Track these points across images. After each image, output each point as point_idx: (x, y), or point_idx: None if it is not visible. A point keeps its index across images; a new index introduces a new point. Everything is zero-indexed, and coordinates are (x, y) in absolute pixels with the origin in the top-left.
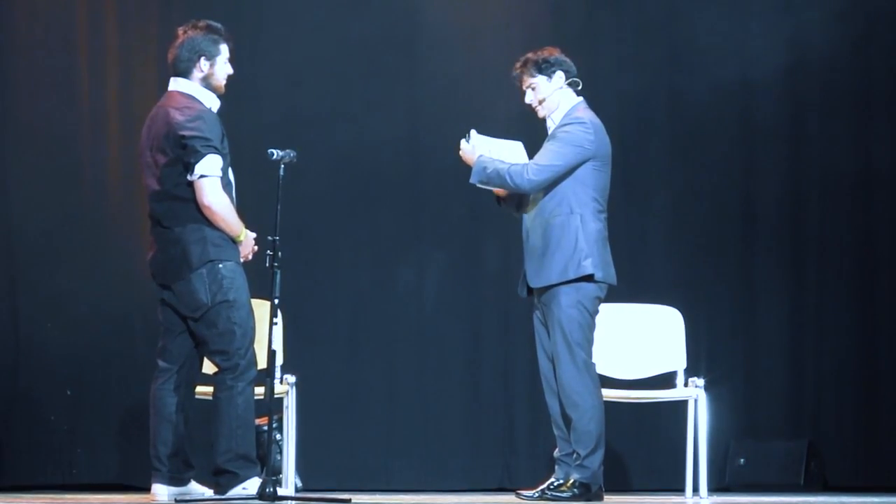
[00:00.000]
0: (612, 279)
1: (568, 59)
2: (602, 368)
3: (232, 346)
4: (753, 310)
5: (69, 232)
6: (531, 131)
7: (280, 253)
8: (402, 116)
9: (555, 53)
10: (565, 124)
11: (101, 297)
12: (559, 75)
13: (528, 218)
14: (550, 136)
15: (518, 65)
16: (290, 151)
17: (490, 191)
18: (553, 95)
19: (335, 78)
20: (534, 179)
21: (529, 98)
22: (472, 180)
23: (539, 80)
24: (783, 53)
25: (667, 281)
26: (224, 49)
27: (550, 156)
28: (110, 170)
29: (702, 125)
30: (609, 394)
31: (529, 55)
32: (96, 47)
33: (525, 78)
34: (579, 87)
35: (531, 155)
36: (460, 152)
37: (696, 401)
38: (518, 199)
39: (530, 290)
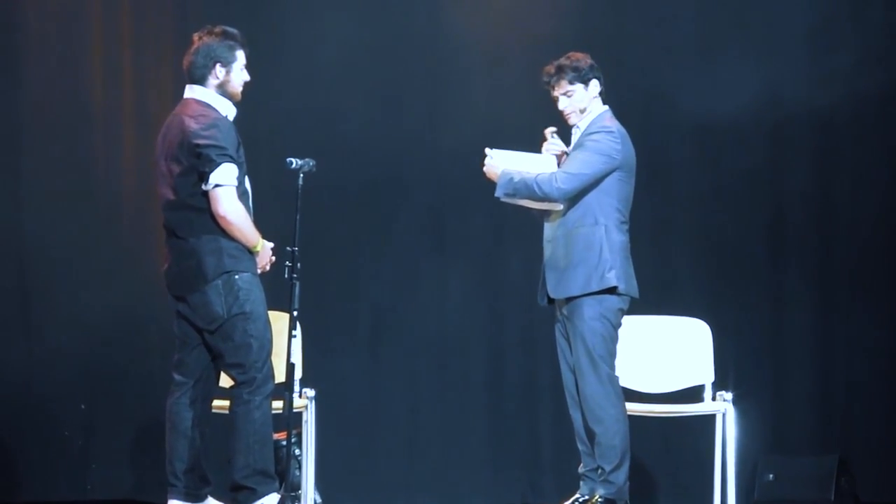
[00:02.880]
0: (635, 292)
1: (597, 66)
2: (628, 382)
3: (248, 360)
4: (782, 322)
5: (83, 243)
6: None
7: (299, 264)
8: (423, 126)
9: (588, 60)
10: (593, 132)
11: (116, 310)
12: (594, 84)
13: (550, 227)
14: (577, 145)
15: (551, 69)
16: (308, 160)
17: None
18: (589, 104)
19: (354, 86)
20: (563, 188)
21: (564, 105)
22: (497, 194)
23: (577, 88)
24: (812, 62)
25: (694, 293)
26: (240, 55)
27: (579, 164)
28: (125, 180)
29: (730, 135)
30: (635, 408)
31: (564, 61)
32: (111, 54)
33: (561, 84)
34: (604, 96)
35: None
36: (484, 169)
37: (724, 415)
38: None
39: (551, 300)
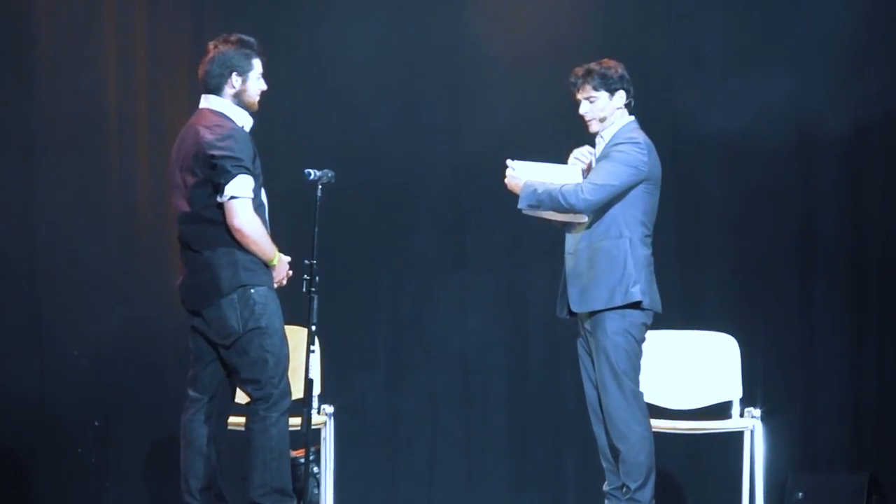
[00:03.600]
0: (658, 307)
1: (629, 77)
2: (653, 398)
3: (264, 375)
4: (812, 336)
5: (96, 257)
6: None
7: (317, 277)
8: (444, 136)
9: (619, 70)
10: (619, 143)
11: (130, 325)
12: (621, 94)
13: (573, 239)
14: (603, 155)
15: (580, 72)
16: (327, 171)
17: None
18: (612, 114)
19: (374, 96)
20: (589, 199)
21: (585, 109)
22: (520, 205)
23: (601, 96)
24: (841, 77)
25: (721, 307)
26: (257, 64)
27: (606, 175)
28: (139, 192)
29: (758, 147)
30: (660, 424)
31: (593, 66)
32: (125, 63)
33: (585, 88)
34: (632, 107)
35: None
36: (506, 181)
37: (752, 432)
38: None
39: (572, 313)
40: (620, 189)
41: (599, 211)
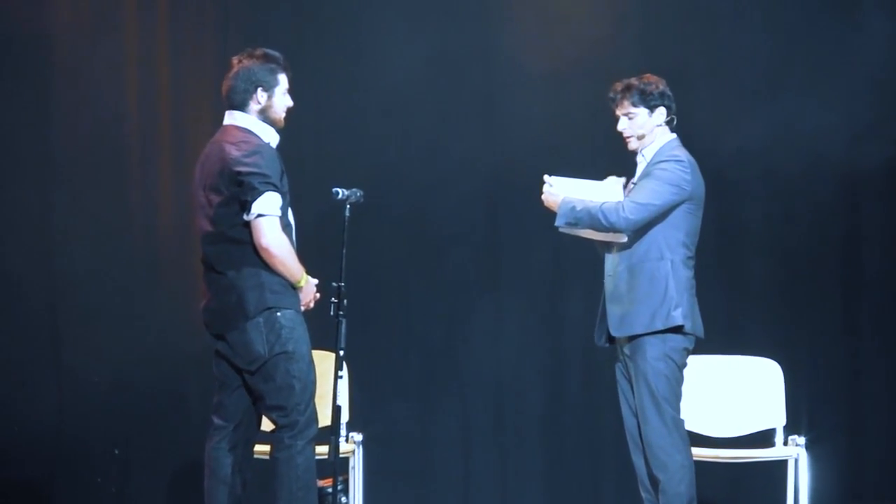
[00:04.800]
0: (701, 331)
1: (671, 94)
2: (694, 425)
3: (290, 402)
4: (859, 362)
5: (116, 279)
6: (623, 165)
7: (346, 300)
8: (477, 154)
9: (661, 86)
10: (661, 161)
11: (151, 349)
12: (661, 111)
13: (612, 261)
14: (644, 174)
15: (619, 87)
16: (356, 190)
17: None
18: (651, 132)
19: (405, 111)
20: (631, 218)
21: (623, 126)
22: (557, 223)
23: (640, 112)
24: (886, 99)
25: (764, 331)
26: (283, 79)
27: (648, 194)
28: (161, 213)
29: (802, 170)
30: (701, 453)
31: (633, 81)
32: (147, 80)
33: (624, 103)
34: (674, 124)
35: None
36: (543, 197)
37: (796, 461)
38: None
39: (611, 339)
40: (662, 208)
41: (640, 231)
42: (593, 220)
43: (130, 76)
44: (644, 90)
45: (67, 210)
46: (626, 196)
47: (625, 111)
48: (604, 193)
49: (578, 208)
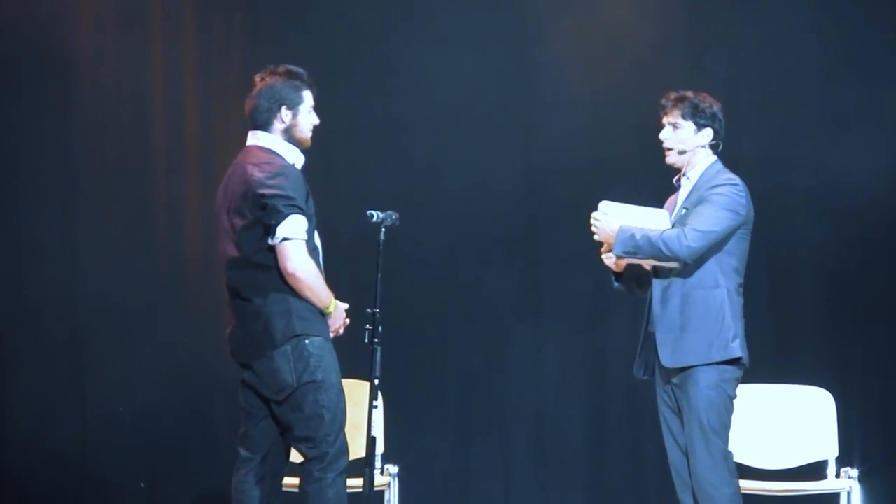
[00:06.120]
0: (748, 361)
1: (722, 119)
2: (743, 457)
3: (319, 433)
4: None
5: (141, 308)
6: (664, 188)
7: (380, 327)
8: (519, 176)
9: (714, 107)
10: (717, 185)
11: (177, 379)
12: (707, 132)
13: (661, 287)
14: (699, 199)
15: (673, 96)
16: (391, 213)
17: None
18: (693, 149)
19: (442, 130)
20: (693, 247)
21: (666, 135)
22: (616, 251)
23: (686, 126)
24: None
25: (816, 359)
26: (307, 96)
27: (708, 220)
28: (185, 238)
29: (853, 195)
30: (750, 486)
31: (689, 93)
32: (172, 100)
33: (674, 113)
34: (719, 149)
35: None
36: (593, 226)
37: (849, 493)
38: (637, 277)
39: (652, 370)
40: (722, 235)
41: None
42: (654, 248)
43: (156, 96)
44: (697, 105)
45: (90, 236)
46: (672, 219)
47: (672, 121)
48: (654, 220)
49: (638, 237)
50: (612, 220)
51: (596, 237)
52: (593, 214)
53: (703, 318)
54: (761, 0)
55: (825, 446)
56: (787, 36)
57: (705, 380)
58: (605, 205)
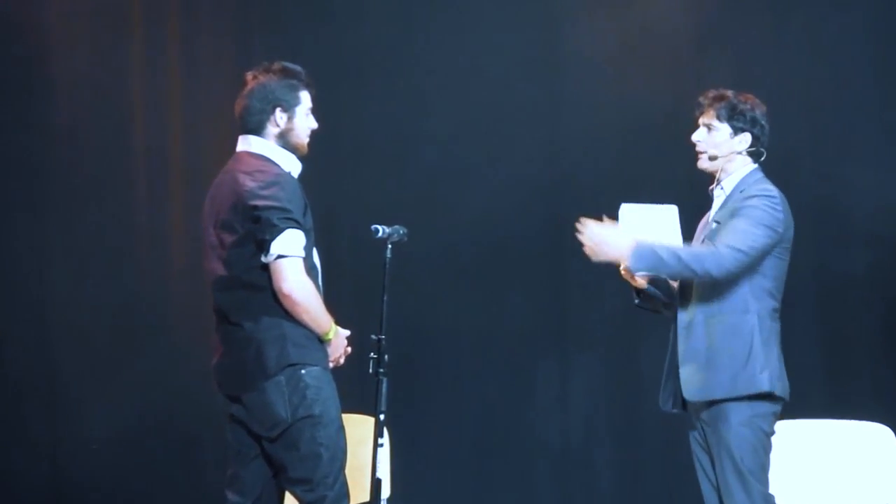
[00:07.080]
0: (787, 393)
1: (765, 125)
2: (788, 502)
3: (317, 474)
4: None
5: (119, 335)
6: (692, 194)
7: (386, 356)
8: (540, 189)
9: (756, 111)
10: (752, 197)
11: (158, 415)
12: (745, 138)
13: (686, 313)
14: (731, 211)
15: (711, 95)
16: (398, 228)
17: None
18: (727, 155)
19: (454, 138)
20: (728, 268)
21: (699, 137)
22: (635, 267)
23: (721, 129)
24: None
25: (874, 392)
26: (305, 97)
27: (743, 237)
28: (172, 255)
29: None
30: None
31: (728, 93)
32: (152, 98)
33: (710, 113)
34: (761, 159)
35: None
36: (604, 237)
37: None
38: (667, 295)
39: (682, 404)
40: (758, 253)
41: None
42: (683, 266)
43: (137, 100)
44: (735, 107)
45: (63, 259)
46: (702, 234)
47: (707, 121)
48: (669, 222)
49: (662, 254)
50: (622, 233)
51: (594, 259)
52: (590, 224)
53: (728, 347)
54: None
55: (885, 488)
56: (840, 39)
57: (737, 416)
58: (627, 208)
